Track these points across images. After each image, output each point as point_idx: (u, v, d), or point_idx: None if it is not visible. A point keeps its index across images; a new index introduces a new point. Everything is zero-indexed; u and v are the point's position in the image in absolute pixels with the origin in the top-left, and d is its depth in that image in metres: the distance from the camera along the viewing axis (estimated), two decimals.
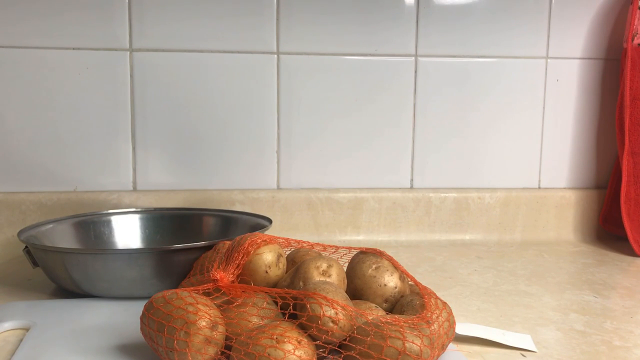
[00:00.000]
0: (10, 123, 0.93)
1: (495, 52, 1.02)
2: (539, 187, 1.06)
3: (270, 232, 0.76)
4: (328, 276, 0.53)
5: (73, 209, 0.93)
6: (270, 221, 0.79)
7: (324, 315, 0.47)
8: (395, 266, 0.57)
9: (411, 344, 0.45)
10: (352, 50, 0.99)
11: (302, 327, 0.47)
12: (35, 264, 0.71)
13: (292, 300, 0.49)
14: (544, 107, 1.04)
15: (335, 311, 0.47)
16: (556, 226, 1.04)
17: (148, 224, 0.87)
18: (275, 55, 0.98)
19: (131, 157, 0.97)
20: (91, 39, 0.93)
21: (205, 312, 0.48)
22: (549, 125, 1.05)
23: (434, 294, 0.55)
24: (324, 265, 0.54)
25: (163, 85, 0.96)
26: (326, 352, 0.48)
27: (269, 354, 0.44)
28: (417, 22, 0.99)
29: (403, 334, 0.45)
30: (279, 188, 1.00)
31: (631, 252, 0.95)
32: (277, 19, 0.97)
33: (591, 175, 1.07)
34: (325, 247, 0.63)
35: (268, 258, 0.55)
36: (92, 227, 0.83)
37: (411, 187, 1.03)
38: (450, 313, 0.53)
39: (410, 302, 0.54)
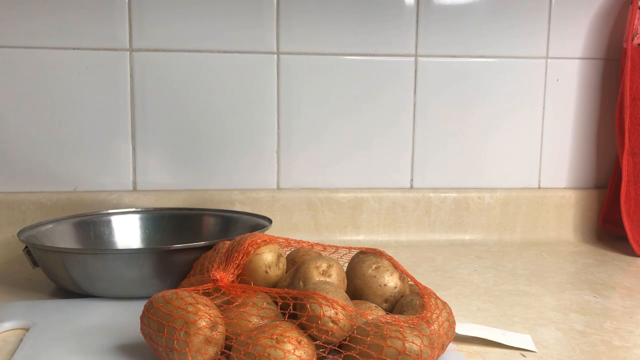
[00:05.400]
0: (10, 123, 0.93)
1: (495, 52, 1.02)
2: (539, 187, 1.06)
3: (270, 232, 0.76)
4: (328, 276, 0.53)
5: (73, 209, 0.93)
6: (270, 221, 0.79)
7: (324, 315, 0.47)
8: (395, 266, 0.57)
9: (411, 344, 0.45)
10: (352, 50, 0.99)
11: (302, 327, 0.47)
12: (35, 264, 0.71)
13: (292, 300, 0.49)
14: (544, 107, 1.04)
15: (335, 311, 0.47)
16: (556, 226, 1.04)
17: (148, 224, 0.87)
18: (275, 55, 0.98)
19: (131, 157, 0.97)
20: (91, 39, 0.93)
21: (205, 312, 0.48)
22: (549, 125, 1.05)
23: (434, 294, 0.55)
24: (324, 265, 0.54)
25: (163, 86, 0.96)
26: (326, 352, 0.48)
27: (269, 354, 0.44)
28: (417, 22, 0.99)
29: (403, 334, 0.45)
30: (279, 188, 1.00)
31: (631, 252, 0.95)
32: (277, 19, 0.97)
33: (591, 175, 1.07)
34: (325, 247, 0.63)
35: (268, 258, 0.55)
36: (92, 227, 0.83)
37: (411, 187, 1.03)
38: (450, 313, 0.53)
39: (410, 302, 0.54)
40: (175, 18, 0.95)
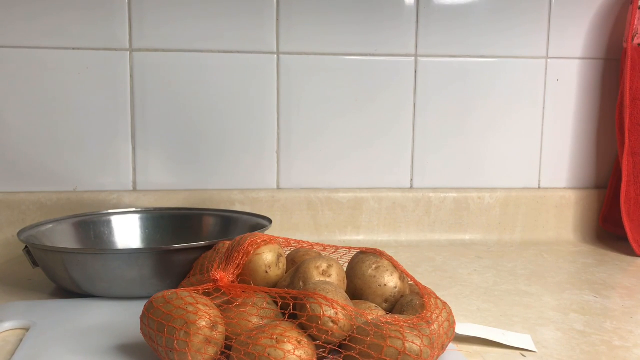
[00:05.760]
0: (10, 123, 0.93)
1: (495, 52, 1.02)
2: (539, 187, 1.06)
3: (270, 232, 0.76)
4: (328, 276, 0.53)
5: (73, 209, 0.93)
6: (270, 221, 0.79)
7: (324, 315, 0.47)
8: (395, 266, 0.57)
9: (411, 344, 0.45)
10: (352, 50, 0.99)
11: (302, 327, 0.47)
12: (35, 264, 0.71)
13: (292, 300, 0.49)
14: (544, 107, 1.04)
15: (335, 311, 0.47)
16: (556, 226, 1.04)
17: (148, 224, 0.87)
18: (275, 55, 0.98)
19: (131, 157, 0.97)
20: (91, 39, 0.93)
21: (205, 312, 0.48)
22: (549, 125, 1.05)
23: (434, 294, 0.55)
24: (324, 265, 0.54)
25: (163, 86, 0.96)
26: (326, 352, 0.48)
27: (269, 354, 0.44)
28: (417, 22, 0.99)
29: (403, 334, 0.45)
30: (279, 188, 1.00)
31: (631, 252, 0.95)
32: (277, 19, 0.97)
33: (591, 175, 1.07)
34: (325, 247, 0.63)
35: (268, 258, 0.55)
36: (92, 227, 0.83)
37: (411, 187, 1.03)
38: (450, 313, 0.53)
39: (410, 302, 0.54)
40: (175, 18, 0.95)
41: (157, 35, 0.95)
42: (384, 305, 0.56)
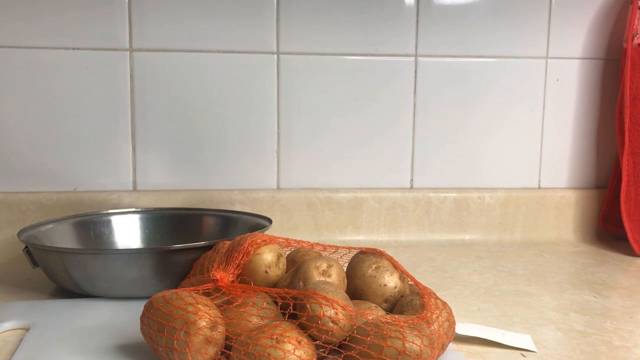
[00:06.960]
0: (10, 123, 0.93)
1: (495, 52, 1.02)
2: (539, 187, 1.06)
3: (270, 232, 0.76)
4: (328, 276, 0.53)
5: (73, 209, 0.93)
6: (270, 221, 0.79)
7: (324, 315, 0.47)
8: (395, 266, 0.57)
9: (411, 344, 0.45)
10: (352, 50, 0.99)
11: (302, 327, 0.47)
12: (35, 264, 0.71)
13: (292, 300, 0.49)
14: (544, 107, 1.04)
15: (335, 311, 0.47)
16: (556, 226, 1.04)
17: (148, 224, 0.87)
18: (275, 55, 0.98)
19: (131, 157, 0.97)
20: (91, 39, 0.93)
21: (205, 312, 0.48)
22: (549, 125, 1.05)
23: (434, 294, 0.55)
24: (324, 265, 0.54)
25: (163, 86, 0.96)
26: (326, 352, 0.48)
27: (269, 354, 0.44)
28: (417, 22, 0.99)
29: (403, 334, 0.45)
30: (279, 188, 1.00)
31: (631, 252, 0.95)
32: (277, 19, 0.97)
33: (591, 175, 1.07)
34: (325, 247, 0.63)
35: (268, 258, 0.55)
36: (92, 227, 0.83)
37: (411, 187, 1.03)
38: (450, 313, 0.53)
39: (410, 302, 0.54)
40: (175, 18, 0.95)
41: (157, 35, 0.95)
42: (384, 305, 0.56)
